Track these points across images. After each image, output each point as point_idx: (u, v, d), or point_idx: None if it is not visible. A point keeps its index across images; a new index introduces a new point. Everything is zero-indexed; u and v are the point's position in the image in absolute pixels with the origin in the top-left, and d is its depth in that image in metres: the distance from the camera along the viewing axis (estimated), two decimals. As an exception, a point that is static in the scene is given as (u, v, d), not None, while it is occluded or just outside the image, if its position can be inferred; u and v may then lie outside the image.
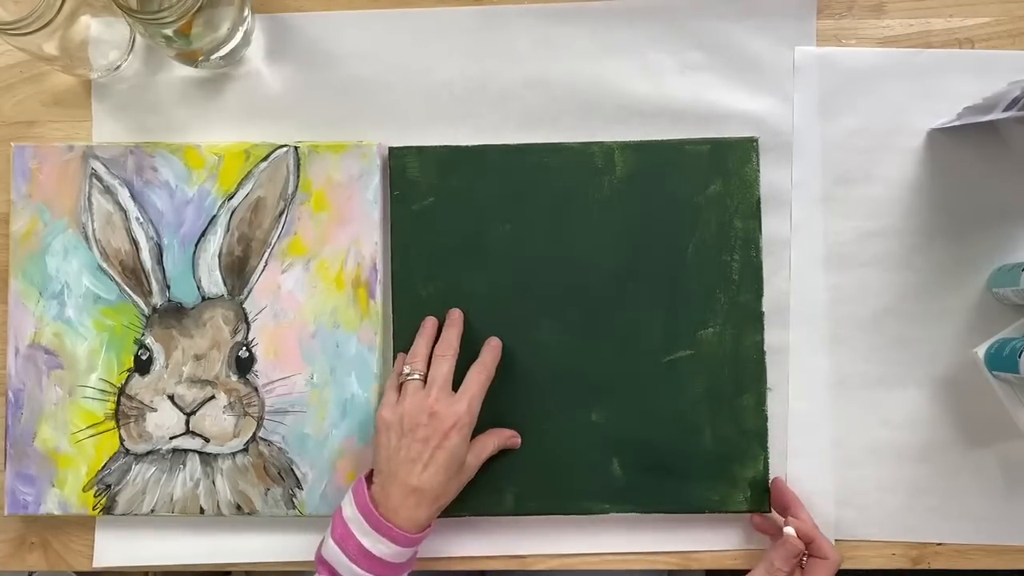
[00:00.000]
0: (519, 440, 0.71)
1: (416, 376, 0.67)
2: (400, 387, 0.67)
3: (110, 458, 0.73)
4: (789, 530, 0.67)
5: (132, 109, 0.76)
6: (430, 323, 0.71)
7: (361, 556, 0.63)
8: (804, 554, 0.67)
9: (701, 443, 0.71)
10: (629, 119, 0.74)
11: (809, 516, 0.69)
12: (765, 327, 0.72)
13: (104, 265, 0.74)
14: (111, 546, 0.74)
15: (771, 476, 0.72)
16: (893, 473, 0.72)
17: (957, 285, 0.73)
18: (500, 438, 0.70)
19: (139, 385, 0.73)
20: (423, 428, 0.64)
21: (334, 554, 0.64)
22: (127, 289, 0.73)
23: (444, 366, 0.67)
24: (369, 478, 0.67)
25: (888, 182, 0.73)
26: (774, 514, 0.71)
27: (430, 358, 0.68)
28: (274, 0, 0.75)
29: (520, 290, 0.72)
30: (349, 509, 0.65)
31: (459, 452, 0.65)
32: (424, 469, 0.64)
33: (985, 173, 0.73)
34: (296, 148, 0.73)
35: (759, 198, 0.72)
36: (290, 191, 0.73)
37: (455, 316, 0.71)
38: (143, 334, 0.73)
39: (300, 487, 0.72)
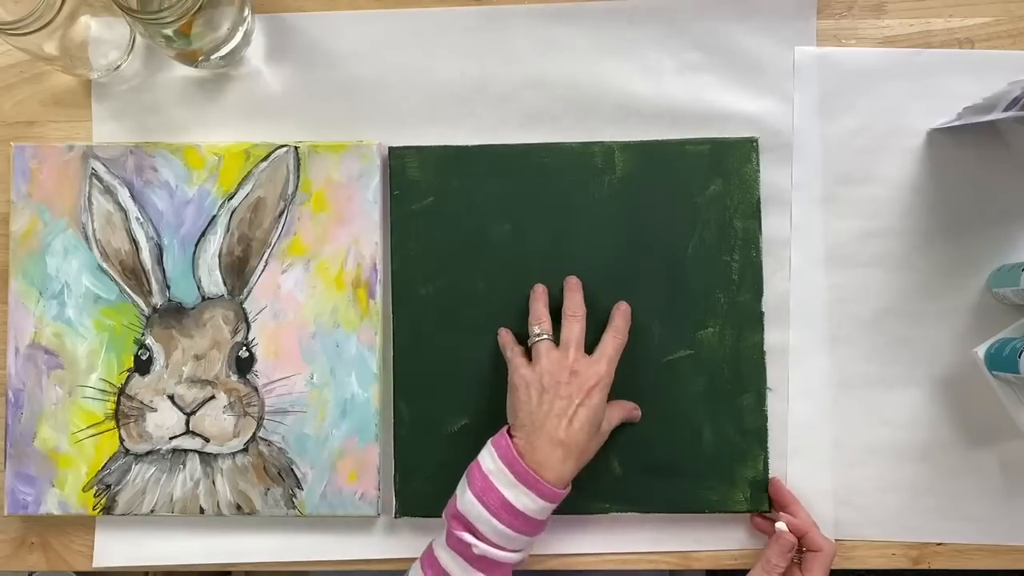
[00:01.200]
0: (639, 413, 0.71)
1: (546, 336, 0.67)
2: (528, 351, 0.68)
3: (110, 458, 0.73)
4: (781, 525, 0.68)
5: (132, 109, 0.76)
6: (540, 288, 0.71)
7: (503, 510, 0.62)
8: (799, 548, 0.68)
9: (701, 443, 0.71)
10: (629, 119, 0.74)
11: (807, 513, 0.69)
12: (765, 327, 0.72)
13: (104, 265, 0.74)
14: (111, 546, 0.74)
15: (771, 476, 0.72)
16: (893, 473, 0.72)
17: (957, 285, 0.73)
18: (624, 409, 0.70)
19: (139, 385, 0.73)
20: (565, 386, 0.65)
21: (472, 507, 0.62)
22: (127, 289, 0.73)
23: (576, 327, 0.67)
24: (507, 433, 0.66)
25: (888, 182, 0.73)
26: (774, 513, 0.71)
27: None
28: (274, 0, 0.75)
29: (520, 290, 0.72)
30: (491, 462, 0.64)
31: (600, 410, 0.65)
32: (570, 424, 0.64)
33: (985, 173, 0.73)
34: (296, 148, 0.73)
35: (759, 198, 0.72)
36: (290, 191, 0.73)
37: (574, 282, 0.71)
38: (143, 334, 0.73)
39: (300, 487, 0.72)
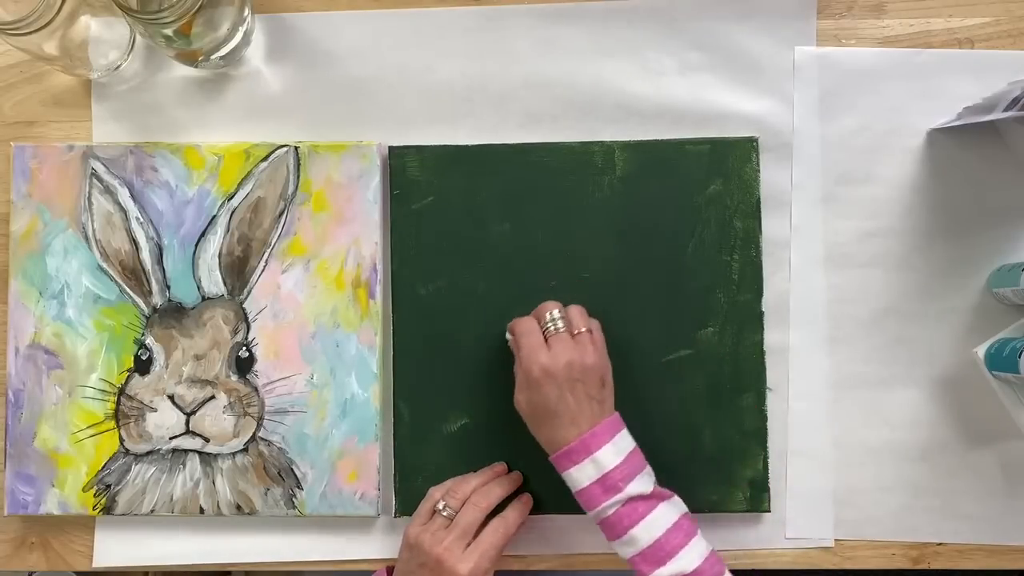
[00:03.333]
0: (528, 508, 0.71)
1: (446, 513, 0.67)
2: (433, 510, 0.68)
3: (110, 458, 0.73)
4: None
5: (132, 109, 0.76)
6: (500, 467, 0.72)
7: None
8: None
9: (701, 443, 0.71)
10: (629, 119, 0.74)
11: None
12: (765, 327, 0.72)
13: (104, 265, 0.74)
14: (111, 546, 0.74)
15: (771, 476, 0.72)
16: (893, 473, 0.72)
17: (957, 285, 0.73)
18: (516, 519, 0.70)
19: (139, 385, 0.73)
20: (427, 570, 0.65)
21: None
22: (127, 289, 0.73)
23: (471, 515, 0.67)
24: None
25: (888, 182, 0.73)
26: (773, 513, 0.71)
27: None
28: (274, 0, 0.75)
29: (520, 290, 0.72)
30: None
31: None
32: None
33: (985, 173, 0.73)
34: (296, 148, 0.73)
35: (759, 198, 0.72)
36: (290, 191, 0.73)
37: (514, 476, 0.71)
38: (143, 334, 0.73)
39: (300, 487, 0.72)
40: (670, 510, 0.64)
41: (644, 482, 0.64)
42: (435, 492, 0.69)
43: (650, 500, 0.63)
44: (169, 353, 0.73)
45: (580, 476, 0.63)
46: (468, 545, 0.66)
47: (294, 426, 0.72)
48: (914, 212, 0.73)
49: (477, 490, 0.68)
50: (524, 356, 0.65)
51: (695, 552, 0.63)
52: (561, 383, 0.64)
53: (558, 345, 0.65)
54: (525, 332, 0.66)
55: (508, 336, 0.69)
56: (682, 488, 0.71)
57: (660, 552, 0.62)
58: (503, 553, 0.68)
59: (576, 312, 0.67)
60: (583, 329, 0.66)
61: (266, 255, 0.73)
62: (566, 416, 0.64)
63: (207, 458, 0.72)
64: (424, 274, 0.73)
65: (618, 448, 0.64)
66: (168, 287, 0.73)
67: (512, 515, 0.69)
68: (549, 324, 0.66)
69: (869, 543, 0.73)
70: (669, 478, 0.71)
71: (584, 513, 0.72)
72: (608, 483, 0.63)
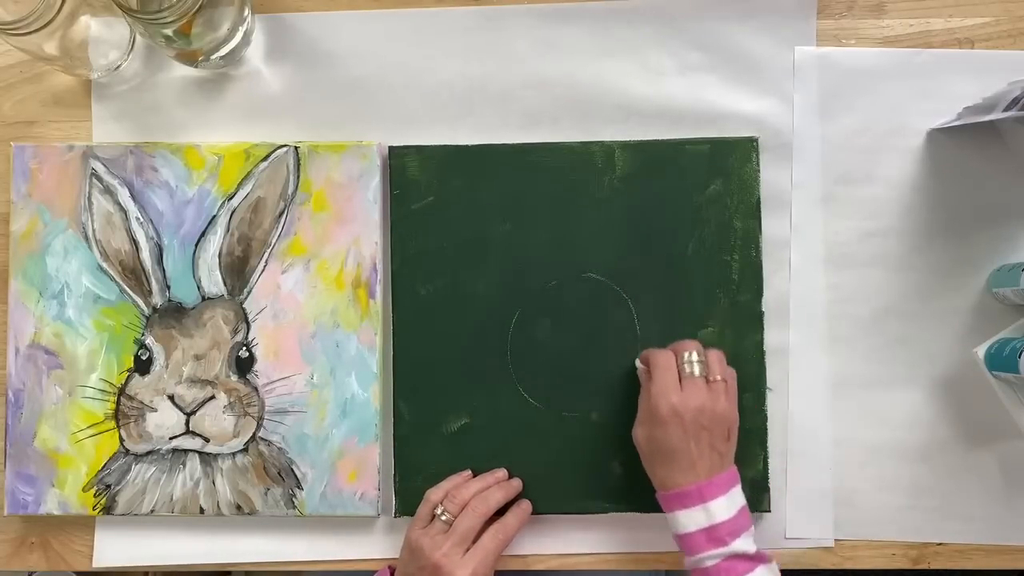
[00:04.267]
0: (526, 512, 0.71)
1: (444, 518, 0.67)
2: (432, 514, 0.68)
3: (110, 458, 0.73)
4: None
5: (132, 109, 0.76)
6: (501, 473, 0.71)
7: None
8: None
9: (701, 443, 0.71)
10: (629, 119, 0.74)
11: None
12: (765, 327, 0.72)
13: (104, 265, 0.74)
14: (111, 546, 0.74)
15: (771, 476, 0.72)
16: (893, 473, 0.72)
17: (957, 285, 0.73)
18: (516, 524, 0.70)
19: (139, 385, 0.73)
20: (426, 573, 0.65)
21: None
22: (127, 289, 0.73)
23: (469, 521, 0.67)
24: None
25: (888, 182, 0.73)
26: (772, 513, 0.71)
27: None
28: (274, 0, 0.75)
29: (520, 290, 0.72)
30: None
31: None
32: None
33: (985, 173, 0.73)
34: (296, 148, 0.73)
35: (759, 198, 0.72)
36: (290, 191, 0.73)
37: (514, 483, 0.71)
38: (143, 334, 0.73)
39: (300, 487, 0.72)
40: (767, 574, 0.63)
41: (748, 541, 0.63)
42: (432, 495, 0.69)
43: (752, 561, 0.63)
44: (169, 353, 0.73)
45: (688, 521, 0.63)
46: (467, 551, 0.66)
47: (294, 426, 0.72)
48: (914, 212, 0.73)
49: (476, 495, 0.68)
50: (655, 392, 0.65)
51: None
52: (687, 427, 0.63)
53: (692, 388, 0.64)
54: (661, 367, 0.65)
55: (638, 364, 0.69)
56: (682, 488, 0.71)
57: None
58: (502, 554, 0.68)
59: (715, 358, 0.67)
60: (719, 377, 0.66)
61: (266, 255, 0.73)
62: (685, 460, 0.63)
63: (207, 458, 0.72)
64: (424, 274, 0.73)
65: (732, 502, 0.64)
66: (168, 287, 0.73)
67: (511, 521, 0.69)
68: (686, 365, 0.65)
69: (869, 543, 0.73)
70: (669, 478, 0.71)
71: (585, 514, 0.72)
72: (715, 535, 0.62)
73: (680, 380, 0.65)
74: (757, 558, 0.63)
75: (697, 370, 0.65)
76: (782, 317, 0.73)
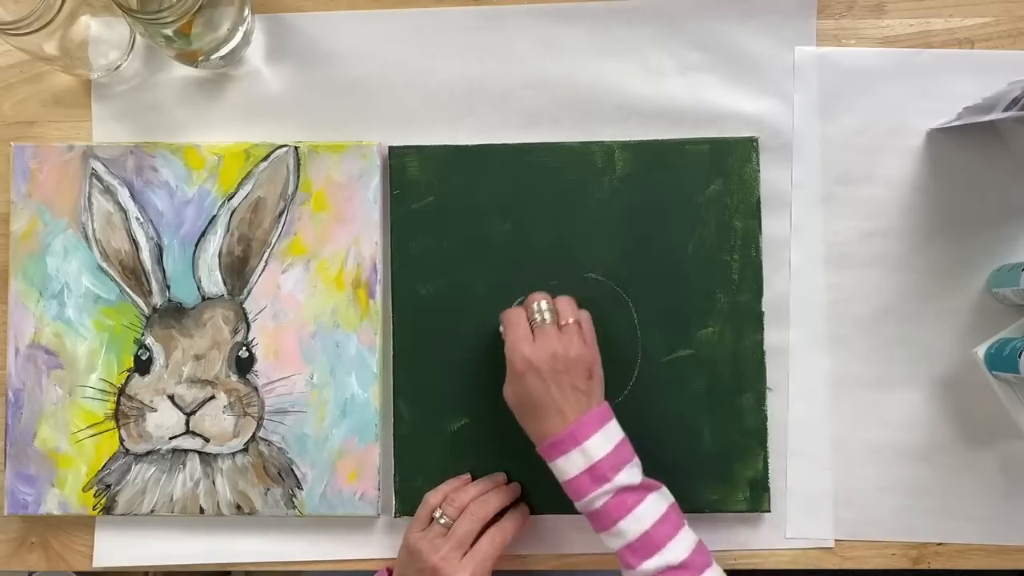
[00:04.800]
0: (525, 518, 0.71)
1: (443, 521, 0.67)
2: (431, 517, 0.68)
3: (110, 458, 0.73)
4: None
5: (132, 109, 0.76)
6: (500, 478, 0.72)
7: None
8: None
9: (701, 443, 0.71)
10: (629, 119, 0.74)
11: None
12: (765, 327, 0.72)
13: (104, 265, 0.74)
14: (111, 546, 0.74)
15: (771, 476, 0.72)
16: (893, 473, 0.72)
17: (957, 285, 0.73)
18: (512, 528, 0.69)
19: (139, 385, 0.73)
20: (422, 574, 0.65)
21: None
22: (127, 289, 0.73)
23: (468, 524, 0.67)
24: None
25: (888, 182, 0.73)
26: (772, 514, 0.71)
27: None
28: (274, 0, 0.75)
29: (520, 290, 0.72)
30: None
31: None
32: None
33: (985, 173, 0.73)
34: (296, 148, 0.73)
35: (759, 198, 0.72)
36: (290, 191, 0.73)
37: (513, 487, 0.71)
38: (143, 334, 0.73)
39: (300, 487, 0.72)
40: (659, 501, 0.63)
41: (633, 472, 0.63)
42: (431, 498, 0.69)
43: (639, 491, 0.63)
44: (169, 353, 0.73)
45: (568, 466, 0.63)
46: (465, 554, 0.66)
47: (294, 426, 0.72)
48: (914, 212, 0.73)
49: (475, 499, 0.68)
50: (508, 347, 0.65)
51: (683, 543, 0.62)
52: (545, 375, 0.63)
53: (543, 336, 0.64)
54: (511, 323, 0.66)
55: (501, 329, 0.69)
56: (682, 488, 0.71)
57: (649, 544, 0.62)
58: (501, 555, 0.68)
59: (564, 303, 0.67)
60: (570, 320, 0.66)
61: (266, 255, 0.73)
62: (551, 407, 0.63)
63: (207, 458, 0.72)
64: (424, 274, 0.73)
65: (607, 438, 0.63)
66: (168, 287, 0.73)
67: (509, 525, 0.69)
68: (536, 315, 0.66)
69: (869, 543, 0.73)
70: (669, 478, 0.71)
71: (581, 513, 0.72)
72: (597, 473, 0.62)
73: (533, 332, 0.65)
74: (644, 487, 0.63)
75: (548, 318, 0.65)
76: (782, 317, 0.73)
